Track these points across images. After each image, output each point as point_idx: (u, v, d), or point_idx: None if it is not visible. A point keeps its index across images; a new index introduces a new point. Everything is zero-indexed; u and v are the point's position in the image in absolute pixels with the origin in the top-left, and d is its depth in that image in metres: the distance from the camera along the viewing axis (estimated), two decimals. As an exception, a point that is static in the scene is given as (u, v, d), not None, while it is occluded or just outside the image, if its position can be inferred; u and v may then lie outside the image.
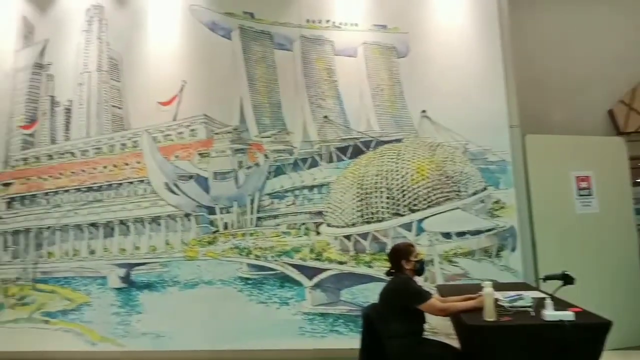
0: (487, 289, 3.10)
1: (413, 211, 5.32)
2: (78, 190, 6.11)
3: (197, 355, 5.48)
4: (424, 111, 5.51)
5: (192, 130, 5.93)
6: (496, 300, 3.12)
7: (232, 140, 5.84)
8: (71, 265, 6.02)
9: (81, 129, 6.21)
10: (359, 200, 5.47)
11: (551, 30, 5.96)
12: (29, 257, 6.13)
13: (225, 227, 5.75)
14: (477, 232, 5.24)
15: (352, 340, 5.06)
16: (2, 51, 6.52)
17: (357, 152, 5.60)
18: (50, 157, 6.26)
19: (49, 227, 6.13)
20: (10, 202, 6.30)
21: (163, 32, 6.11)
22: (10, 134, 6.41)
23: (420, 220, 5.30)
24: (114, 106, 6.15)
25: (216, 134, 5.88)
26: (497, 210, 5.27)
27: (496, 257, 5.19)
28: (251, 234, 5.69)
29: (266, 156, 5.77)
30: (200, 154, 5.89)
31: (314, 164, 5.69)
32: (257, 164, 5.79)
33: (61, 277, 6.02)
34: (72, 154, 6.20)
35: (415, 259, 3.55)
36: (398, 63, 5.69)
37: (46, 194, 6.20)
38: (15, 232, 6.23)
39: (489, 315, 3.01)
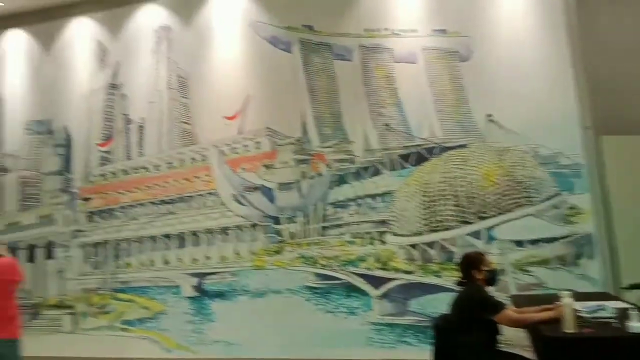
0: (566, 299, 2.98)
1: (482, 219, 5.19)
2: (152, 203, 6.42)
3: (267, 363, 5.60)
4: (489, 115, 5.37)
5: (257, 142, 6.09)
6: (575, 310, 2.99)
7: (295, 151, 5.94)
8: (147, 275, 6.32)
9: (154, 145, 6.53)
10: (424, 209, 5.40)
11: (626, 26, 5.64)
12: (109, 268, 6.50)
13: (291, 237, 5.85)
14: (551, 240, 5.02)
15: (422, 352, 4.99)
16: (80, 74, 6.98)
17: (420, 159, 5.54)
18: (125, 172, 6.62)
19: (126, 239, 6.47)
20: (90, 216, 6.71)
21: (227, 49, 6.33)
22: (89, 152, 6.83)
23: (490, 228, 5.16)
24: (183, 122, 6.43)
25: (279, 145, 6.00)
26: (572, 216, 5.03)
27: (573, 266, 4.96)
28: (316, 244, 5.75)
29: (328, 166, 5.83)
30: (264, 165, 6.03)
31: (377, 173, 5.68)
32: (319, 174, 5.86)
33: (138, 287, 6.33)
34: (146, 168, 6.53)
35: (487, 269, 3.47)
36: (460, 67, 5.58)
37: (123, 207, 6.55)
38: (96, 244, 6.62)
39: (569, 327, 2.89)
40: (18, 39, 7.37)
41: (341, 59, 5.94)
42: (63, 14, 7.12)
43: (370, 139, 5.75)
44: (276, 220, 5.92)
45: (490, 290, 3.53)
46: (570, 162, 5.09)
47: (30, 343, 6.37)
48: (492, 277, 3.51)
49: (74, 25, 7.09)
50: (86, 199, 6.75)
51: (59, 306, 6.60)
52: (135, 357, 6.13)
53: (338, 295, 5.59)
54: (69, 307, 6.53)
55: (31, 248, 6.93)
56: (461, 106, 5.53)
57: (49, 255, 6.76)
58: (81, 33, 7.04)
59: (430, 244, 5.33)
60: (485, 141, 5.36)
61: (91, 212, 6.71)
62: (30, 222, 6.97)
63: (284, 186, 5.94)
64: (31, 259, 6.89)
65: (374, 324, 5.40)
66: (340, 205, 5.75)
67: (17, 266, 3.29)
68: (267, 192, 5.99)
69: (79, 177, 6.83)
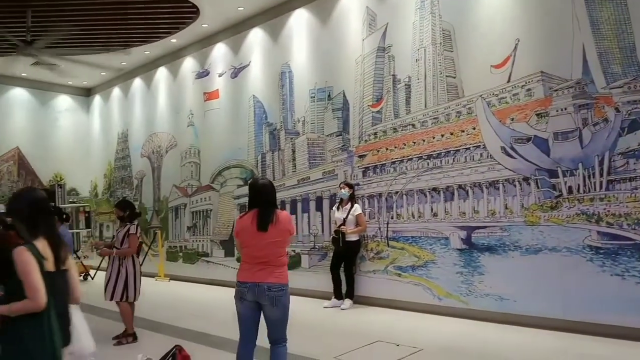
0: None
1: None
2: (419, 158, 6.66)
3: (544, 322, 5.31)
4: None
5: (528, 90, 5.66)
6: None
7: (574, 95, 5.32)
8: (417, 226, 6.64)
9: (420, 102, 6.71)
10: None
11: None
12: (382, 218, 7.06)
13: (570, 192, 5.32)
14: None
15: None
16: (353, 42, 7.59)
17: None
18: (395, 130, 7.00)
19: (396, 192, 6.90)
20: (365, 171, 7.36)
21: (493, -7, 5.99)
22: (362, 113, 7.44)
23: None
24: (448, 76, 6.40)
25: (555, 90, 5.45)
26: None
27: None
28: (601, 199, 5.10)
29: (617, 109, 5.04)
30: (537, 114, 5.58)
31: (686, 114, 4.65)
32: (605, 120, 5.12)
33: (409, 236, 6.72)
34: (413, 125, 6.77)
35: None
36: None
37: (393, 162, 6.98)
38: (370, 196, 7.25)
39: None
40: (300, 17, 8.44)
41: (636, -20, 4.97)
42: (337, -13, 7.82)
43: (678, 73, 4.73)
44: (551, 173, 5.45)
45: None
46: None
47: (320, 280, 7.55)
48: None
49: (346, -3, 7.70)
50: (361, 156, 7.41)
51: (342, 250, 7.49)
52: (407, 300, 6.57)
53: (629, 257, 4.88)
54: (352, 251, 7.34)
55: (318, 199, 8.03)
56: None
57: (333, 206, 7.67)
58: (352, 2, 7.60)
59: None
60: None
61: (365, 168, 7.34)
62: (317, 177, 8.06)
63: (561, 135, 5.40)
64: (319, 208, 8.00)
65: (678, 293, 4.56)
66: (634, 154, 4.93)
67: (292, 220, 3.73)
68: (541, 143, 5.54)
69: (355, 137, 7.52)
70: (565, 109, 5.36)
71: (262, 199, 3.59)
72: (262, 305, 3.51)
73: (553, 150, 5.44)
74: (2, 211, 6.47)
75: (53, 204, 8.68)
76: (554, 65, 5.46)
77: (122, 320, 5.71)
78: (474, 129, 6.10)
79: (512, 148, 5.75)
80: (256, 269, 3.50)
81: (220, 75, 10.08)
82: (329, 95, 7.95)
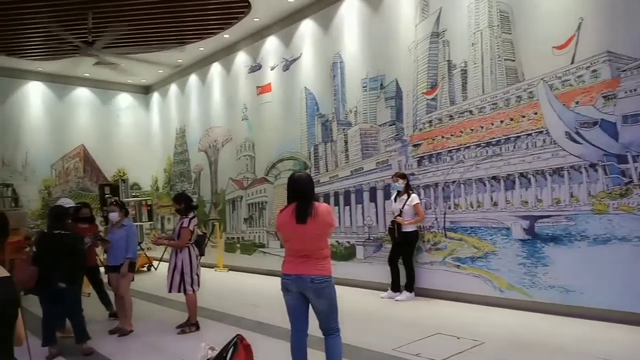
0: None
1: None
2: (478, 146, 6.45)
3: (612, 315, 5.05)
4: None
5: (594, 71, 5.35)
6: None
7: (645, 75, 4.98)
8: (476, 216, 6.45)
9: (477, 87, 6.48)
10: None
11: None
12: (439, 208, 6.91)
13: (641, 178, 5.01)
14: None
15: None
16: (406, 28, 7.43)
17: None
18: (451, 117, 6.81)
19: (454, 181, 6.73)
20: (420, 161, 7.22)
21: (554, -30, 5.68)
22: (416, 101, 7.29)
23: None
24: (506, 59, 6.14)
25: (623, 71, 5.13)
26: None
27: None
28: (678, 185, 4.77)
29: (695, 89, 4.68)
30: (604, 96, 5.27)
31: None
32: (682, 100, 4.77)
33: (468, 227, 6.54)
34: (470, 112, 6.56)
35: None
36: None
37: (449, 151, 6.80)
38: (426, 186, 7.11)
39: None
40: (351, 5, 8.35)
41: None
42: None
43: None
44: (620, 159, 5.15)
45: None
46: None
47: (376, 271, 7.51)
48: None
49: (397, -18, 7.53)
50: (416, 145, 7.27)
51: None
52: (467, 292, 6.42)
53: None
54: (405, 242, 7.24)
55: (372, 190, 7.96)
56: None
57: (387, 196, 7.61)
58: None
59: None
60: None
61: (421, 157, 7.20)
62: (371, 167, 7.99)
63: (631, 118, 5.08)
64: (373, 199, 7.93)
65: None
66: None
67: (333, 212, 3.67)
68: (608, 127, 5.23)
69: (409, 125, 7.38)
70: (635, 90, 5.03)
71: (298, 193, 3.56)
72: (307, 297, 3.53)
73: (622, 134, 5.13)
74: (72, 205, 6.85)
75: (117, 198, 9.07)
76: (621, 44, 5.13)
77: (186, 310, 5.90)
78: (536, 113, 5.83)
79: (578, 133, 5.46)
80: (299, 261, 3.51)
81: (272, 69, 10.16)
82: (381, 84, 7.84)
